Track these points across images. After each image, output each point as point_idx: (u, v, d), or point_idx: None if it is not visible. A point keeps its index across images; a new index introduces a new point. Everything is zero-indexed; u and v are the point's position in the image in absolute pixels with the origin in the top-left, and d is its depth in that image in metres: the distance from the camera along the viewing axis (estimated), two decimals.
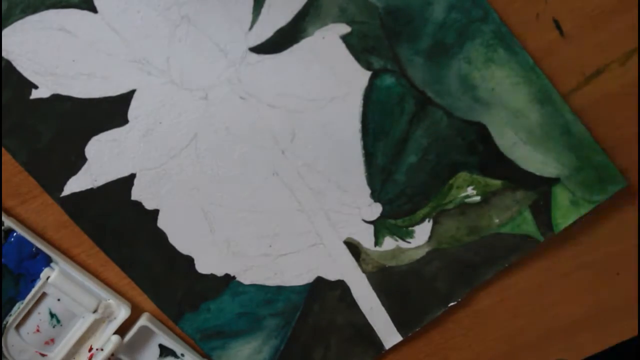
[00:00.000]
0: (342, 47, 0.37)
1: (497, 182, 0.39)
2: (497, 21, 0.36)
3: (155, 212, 0.39)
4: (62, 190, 0.38)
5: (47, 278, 0.39)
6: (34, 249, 0.38)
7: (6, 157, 0.38)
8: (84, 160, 0.38)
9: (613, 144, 0.38)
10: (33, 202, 0.39)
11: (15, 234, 0.38)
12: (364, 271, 0.40)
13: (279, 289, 0.40)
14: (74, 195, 0.38)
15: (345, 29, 0.37)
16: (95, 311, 0.40)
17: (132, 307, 0.40)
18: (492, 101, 0.37)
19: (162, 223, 0.39)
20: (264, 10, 0.36)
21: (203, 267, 0.40)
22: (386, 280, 0.40)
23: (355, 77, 0.37)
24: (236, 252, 0.40)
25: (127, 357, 0.41)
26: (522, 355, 0.43)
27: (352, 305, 0.41)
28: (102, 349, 0.40)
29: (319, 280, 0.40)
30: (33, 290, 0.39)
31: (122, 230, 0.39)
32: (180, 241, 0.39)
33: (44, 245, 0.39)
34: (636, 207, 0.40)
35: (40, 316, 0.40)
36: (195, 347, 0.42)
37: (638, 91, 0.37)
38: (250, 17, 0.36)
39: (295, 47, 0.37)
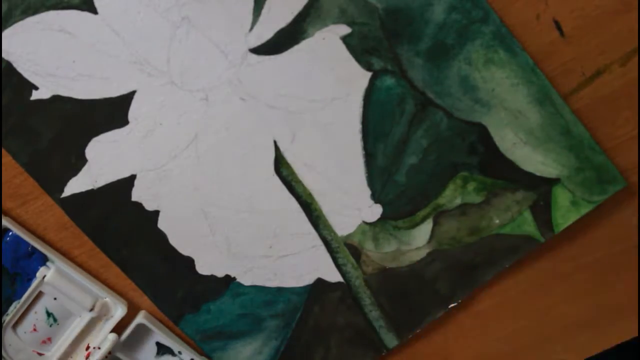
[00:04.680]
0: (343, 48, 0.37)
1: (497, 183, 0.39)
2: (498, 22, 0.36)
3: (156, 213, 0.39)
4: (62, 191, 0.38)
5: (43, 277, 0.39)
6: (29, 248, 0.38)
7: (7, 158, 0.38)
8: (84, 161, 0.38)
9: (613, 144, 0.38)
10: (34, 204, 0.39)
11: (10, 233, 0.38)
12: (364, 273, 0.40)
13: (279, 290, 0.40)
14: (74, 196, 0.38)
15: (345, 30, 0.37)
16: (91, 309, 0.39)
17: (129, 306, 0.40)
18: (492, 102, 0.37)
19: (162, 224, 0.39)
20: (264, 12, 0.36)
21: (203, 268, 0.40)
22: (386, 281, 0.40)
23: (356, 78, 0.37)
24: (236, 253, 0.40)
25: (125, 355, 0.41)
26: (523, 355, 0.43)
27: (353, 306, 0.41)
28: (99, 348, 0.40)
29: (319, 281, 0.40)
30: (29, 290, 0.39)
31: (122, 232, 0.39)
32: (181, 242, 0.39)
33: (40, 244, 0.39)
34: (636, 207, 0.40)
35: (37, 315, 0.40)
36: (192, 345, 0.42)
37: (638, 91, 0.37)
38: (250, 18, 0.37)
39: (296, 48, 0.37)
